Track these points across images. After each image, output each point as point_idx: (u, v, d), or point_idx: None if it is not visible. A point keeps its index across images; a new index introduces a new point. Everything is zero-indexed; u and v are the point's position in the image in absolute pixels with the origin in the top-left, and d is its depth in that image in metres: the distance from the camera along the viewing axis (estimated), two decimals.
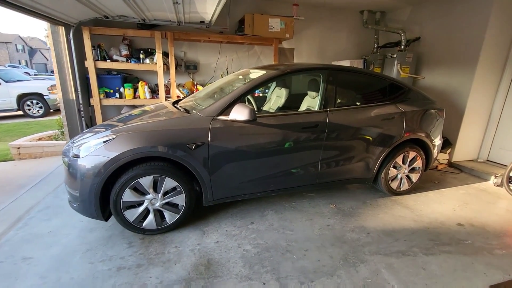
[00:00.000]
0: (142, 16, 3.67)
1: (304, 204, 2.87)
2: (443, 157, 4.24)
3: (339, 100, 2.74)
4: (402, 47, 4.58)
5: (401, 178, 3.08)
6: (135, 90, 4.29)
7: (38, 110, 8.21)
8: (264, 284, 1.78)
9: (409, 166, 3.06)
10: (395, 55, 4.56)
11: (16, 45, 34.15)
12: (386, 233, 2.40)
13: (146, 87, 4.27)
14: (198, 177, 2.23)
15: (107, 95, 4.16)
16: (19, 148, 4.13)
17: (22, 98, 7.96)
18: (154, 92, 4.42)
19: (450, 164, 4.24)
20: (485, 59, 3.75)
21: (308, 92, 2.98)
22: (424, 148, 3.09)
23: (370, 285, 1.81)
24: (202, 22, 4.00)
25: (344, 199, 3.00)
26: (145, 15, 3.59)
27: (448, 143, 4.25)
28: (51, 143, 4.25)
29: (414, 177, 3.13)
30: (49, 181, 3.29)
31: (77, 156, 2.07)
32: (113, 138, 2.04)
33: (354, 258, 2.06)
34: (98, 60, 3.97)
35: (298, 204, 2.85)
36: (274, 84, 3.72)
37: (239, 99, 2.35)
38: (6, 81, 7.89)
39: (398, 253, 2.14)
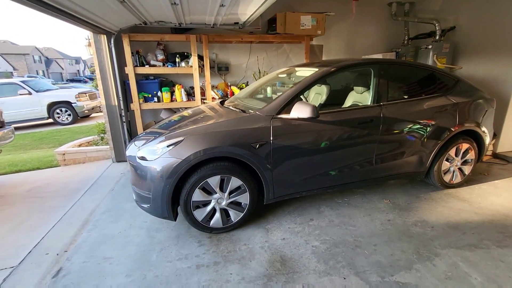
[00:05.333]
0: (180, 21, 3.74)
1: (357, 200, 2.85)
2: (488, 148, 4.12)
3: (391, 94, 2.71)
4: (437, 37, 4.48)
5: (453, 171, 3.02)
6: (172, 93, 4.38)
7: (67, 118, 8.50)
8: (344, 278, 1.79)
9: (461, 158, 3.00)
10: (430, 46, 4.46)
11: (33, 56, 35.42)
12: (450, 226, 2.36)
13: (183, 90, 4.35)
14: (261, 175, 2.26)
15: (146, 100, 4.26)
16: (64, 154, 4.30)
17: (52, 107, 8.26)
18: (189, 95, 4.50)
19: (495, 155, 4.12)
20: None
21: (355, 88, 2.96)
22: (477, 140, 3.02)
23: (452, 278, 1.78)
24: (236, 23, 4.04)
25: (396, 194, 2.97)
26: (184, 19, 3.66)
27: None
28: (94, 149, 4.39)
29: (467, 169, 3.06)
30: (102, 184, 3.41)
31: (144, 159, 2.14)
32: (182, 140, 2.10)
33: (427, 252, 2.04)
34: (137, 66, 4.08)
35: (351, 200, 2.84)
36: None
37: (297, 97, 2.37)
38: (37, 91, 8.19)
39: (470, 246, 2.10)
